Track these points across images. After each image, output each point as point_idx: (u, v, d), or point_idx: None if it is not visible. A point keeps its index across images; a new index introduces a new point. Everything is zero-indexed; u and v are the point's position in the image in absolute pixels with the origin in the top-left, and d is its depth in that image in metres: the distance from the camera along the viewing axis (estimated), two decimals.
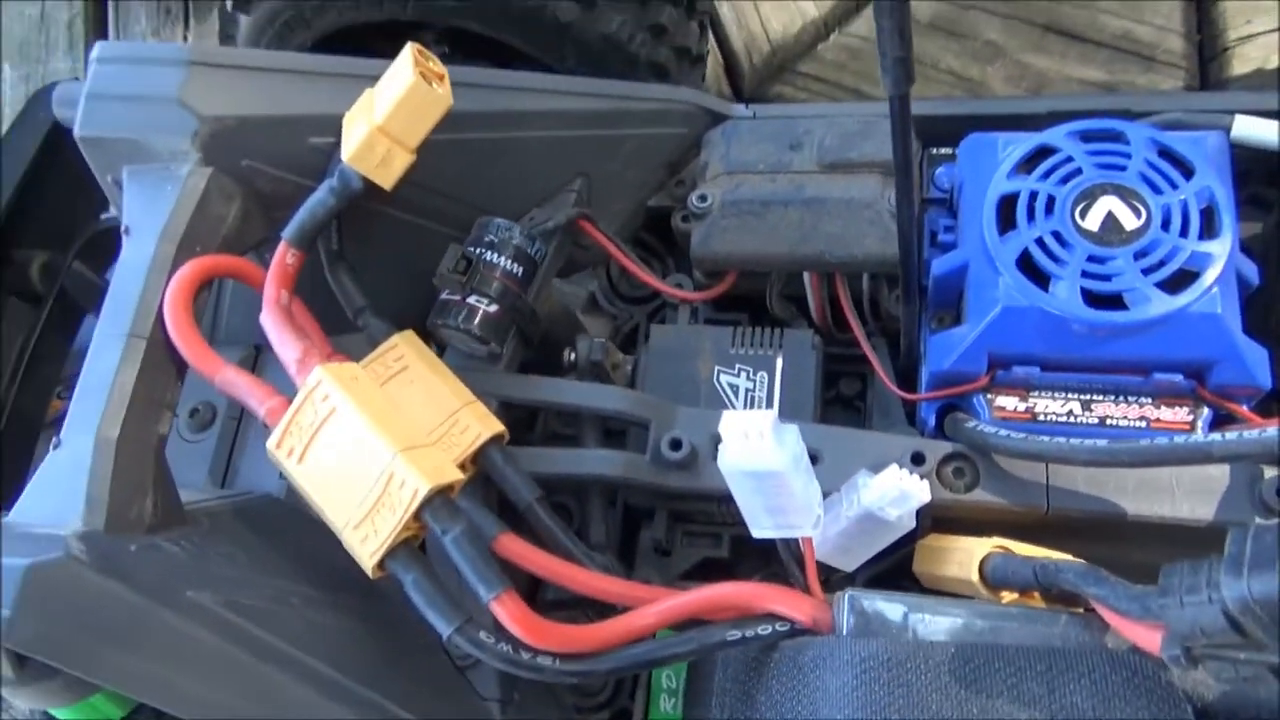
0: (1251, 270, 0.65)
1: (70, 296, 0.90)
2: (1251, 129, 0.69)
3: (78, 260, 0.91)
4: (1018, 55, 1.42)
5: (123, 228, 0.66)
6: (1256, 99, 0.74)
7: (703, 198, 0.76)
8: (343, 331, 0.72)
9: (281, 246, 0.65)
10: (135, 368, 0.62)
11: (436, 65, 0.65)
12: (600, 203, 0.82)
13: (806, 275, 0.76)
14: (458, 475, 0.57)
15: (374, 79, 0.65)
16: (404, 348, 0.68)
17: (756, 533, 0.59)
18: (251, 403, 0.61)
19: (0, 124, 0.90)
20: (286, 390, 0.61)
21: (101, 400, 0.60)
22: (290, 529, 0.73)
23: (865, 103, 0.74)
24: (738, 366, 0.76)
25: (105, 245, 0.90)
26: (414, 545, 0.57)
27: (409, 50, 0.63)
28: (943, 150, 0.78)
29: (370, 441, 0.55)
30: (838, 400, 0.83)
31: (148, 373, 0.62)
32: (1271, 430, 0.54)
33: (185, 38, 1.82)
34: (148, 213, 0.65)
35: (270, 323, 0.62)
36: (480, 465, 0.66)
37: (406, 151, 0.62)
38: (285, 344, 0.60)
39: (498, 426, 0.66)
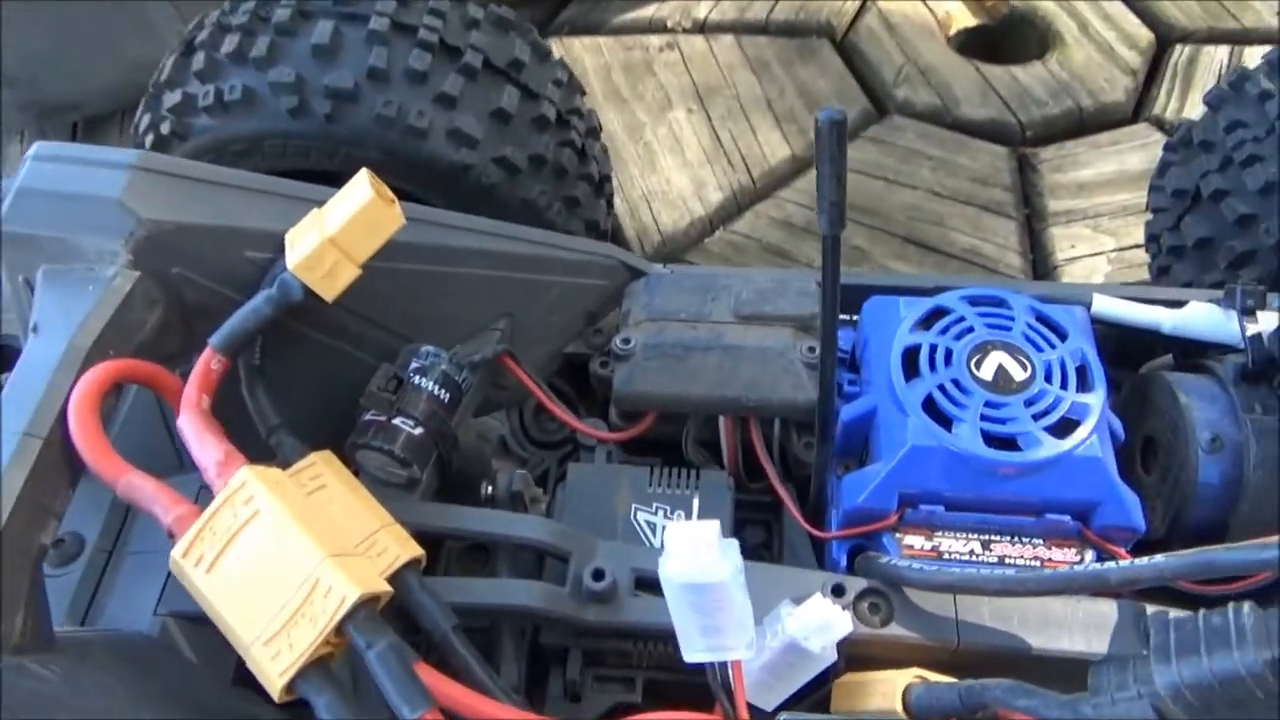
0: (1118, 426, 0.73)
1: None
2: (1108, 306, 0.79)
3: None
4: (882, 260, 1.58)
5: (30, 326, 0.63)
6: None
7: (626, 340, 0.79)
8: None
9: (207, 352, 0.63)
10: (25, 469, 0.57)
11: (388, 192, 0.67)
12: (522, 344, 0.84)
13: (721, 420, 0.80)
14: (385, 587, 0.54)
15: (319, 203, 0.67)
16: (322, 466, 0.66)
17: (689, 656, 0.58)
18: (157, 509, 0.57)
19: None
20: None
21: None
22: (166, 667, 0.66)
23: (774, 268, 0.80)
24: (655, 505, 0.76)
25: None
26: (328, 665, 0.53)
27: (364, 172, 0.65)
28: (841, 316, 0.85)
29: (295, 546, 0.52)
30: (744, 550, 0.83)
31: (38, 476, 0.58)
32: (1159, 559, 0.59)
33: None
34: (62, 311, 0.63)
35: (190, 426, 0.59)
36: (395, 591, 0.63)
37: (353, 265, 0.63)
38: (206, 446, 0.58)
39: (416, 550, 0.64)
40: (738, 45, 1.96)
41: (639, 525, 0.76)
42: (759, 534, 0.84)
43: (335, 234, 0.62)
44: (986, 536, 0.71)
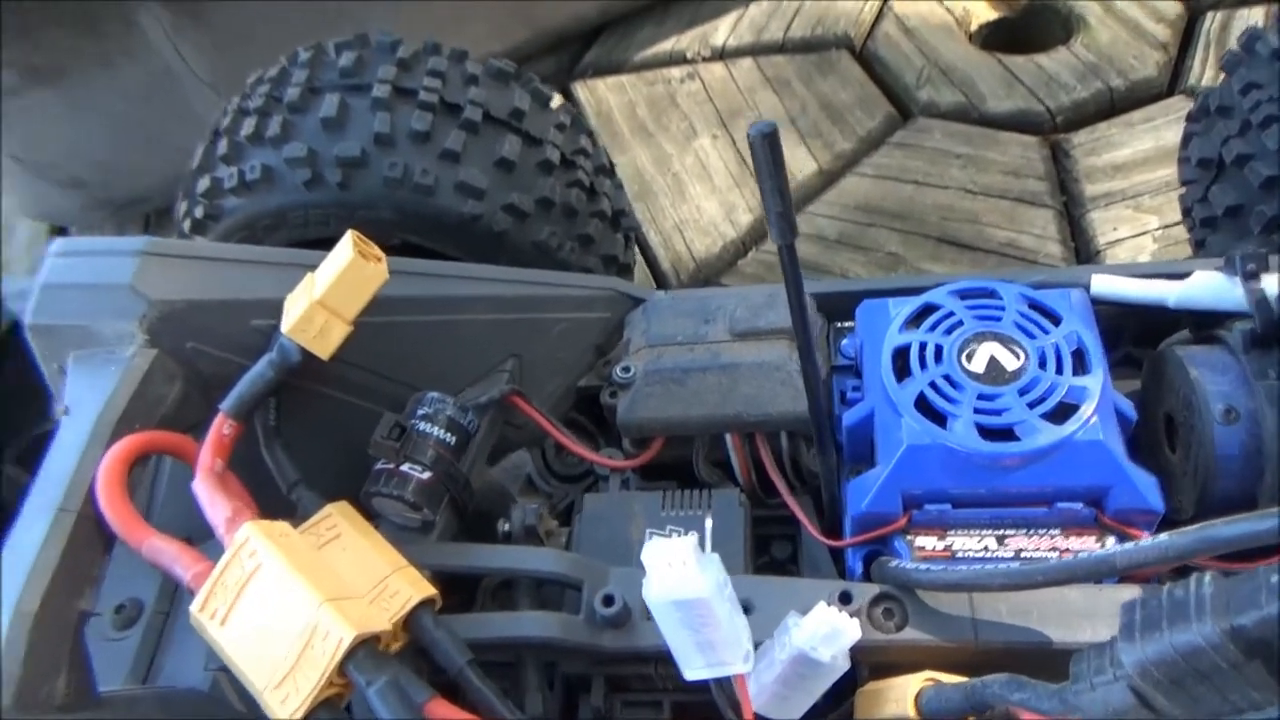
0: (1128, 406, 0.71)
1: (4, 499, 0.89)
2: (1109, 285, 0.78)
3: (16, 465, 0.91)
4: (917, 264, 1.56)
5: (61, 409, 0.68)
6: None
7: (626, 369, 0.81)
8: (276, 516, 0.73)
9: (219, 418, 0.67)
10: (62, 542, 0.62)
11: (374, 249, 0.71)
12: (533, 383, 0.86)
13: (729, 437, 0.80)
14: (384, 625, 0.57)
15: (314, 266, 0.71)
16: (337, 516, 0.69)
17: (689, 674, 0.59)
18: (177, 569, 0.61)
19: None
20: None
21: (23, 574, 0.60)
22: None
23: (766, 284, 0.81)
24: (669, 528, 0.77)
25: (41, 450, 0.91)
26: (338, 705, 0.56)
27: (349, 234, 0.69)
28: (846, 324, 0.86)
29: (295, 594, 0.55)
30: (771, 565, 0.84)
31: (74, 547, 0.62)
32: (1162, 538, 0.57)
33: None
34: (89, 392, 0.68)
35: (203, 488, 0.63)
36: (411, 631, 0.65)
37: (344, 323, 0.67)
38: (216, 506, 0.61)
39: (429, 590, 0.66)
40: (757, 67, 1.98)
41: None
42: (785, 548, 0.84)
43: (322, 296, 0.65)
44: (1000, 531, 0.69)
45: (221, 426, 0.66)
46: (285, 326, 0.66)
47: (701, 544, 0.77)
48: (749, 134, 0.55)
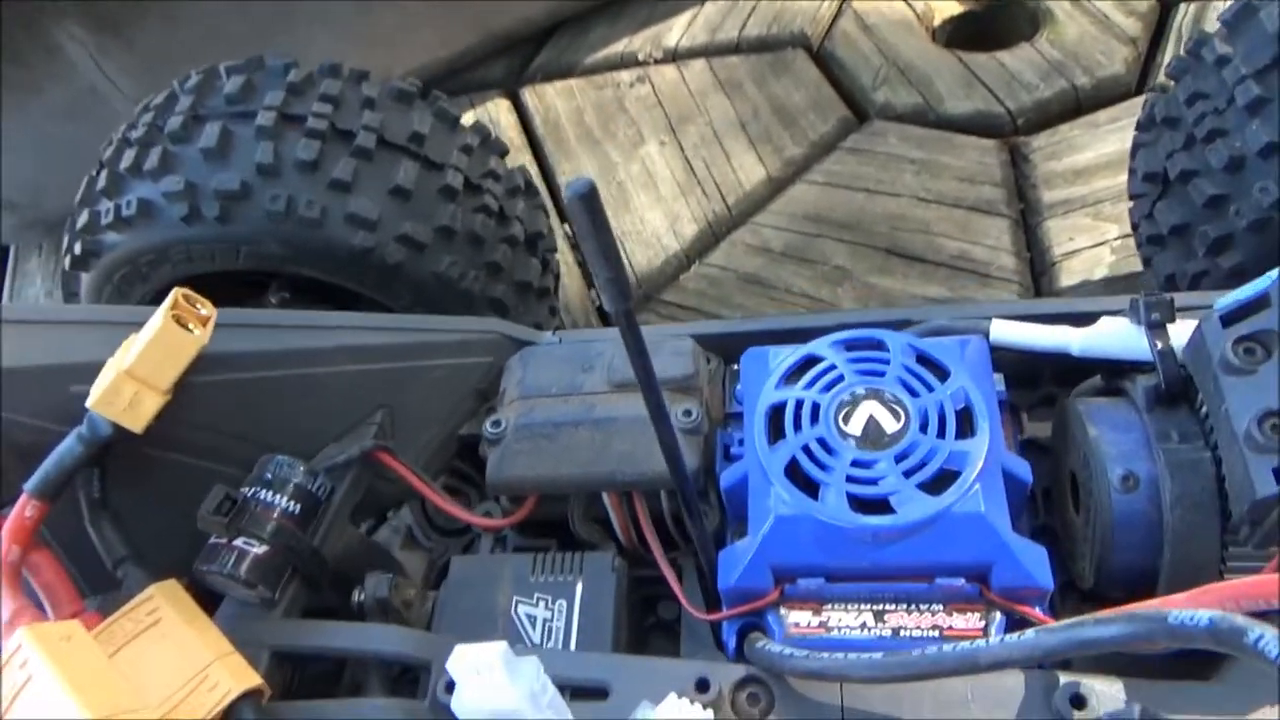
0: (1023, 468, 0.65)
1: None
2: (1009, 332, 0.72)
3: None
4: (865, 277, 1.50)
5: None
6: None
7: (496, 423, 0.76)
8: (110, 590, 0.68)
9: (22, 499, 0.62)
10: None
11: (204, 308, 0.65)
12: (407, 434, 0.81)
13: (606, 496, 0.75)
14: None
15: (141, 325, 0.66)
16: (159, 599, 0.64)
17: None
18: None
19: None
20: None
21: None
22: None
23: (650, 328, 0.75)
24: (536, 596, 0.72)
25: None
26: None
27: (172, 295, 0.63)
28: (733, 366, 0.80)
29: (65, 712, 0.50)
30: (658, 626, 0.79)
31: None
32: (1029, 635, 0.52)
33: None
34: None
35: None
36: None
37: (158, 393, 0.61)
38: (3, 602, 0.56)
39: (253, 680, 0.61)
40: (709, 69, 1.91)
41: (519, 619, 0.71)
42: (672, 609, 0.79)
43: (131, 366, 0.60)
44: (879, 607, 0.64)
45: (24, 509, 0.61)
46: (91, 400, 0.61)
47: (570, 612, 0.72)
48: (565, 194, 0.49)
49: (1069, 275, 1.45)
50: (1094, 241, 1.49)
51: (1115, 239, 1.48)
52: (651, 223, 1.66)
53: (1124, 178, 1.55)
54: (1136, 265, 1.42)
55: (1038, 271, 1.48)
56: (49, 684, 0.51)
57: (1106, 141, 1.63)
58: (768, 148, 1.74)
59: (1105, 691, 0.59)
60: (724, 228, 1.64)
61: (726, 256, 1.59)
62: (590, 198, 0.49)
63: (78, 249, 1.02)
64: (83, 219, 1.02)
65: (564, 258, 1.55)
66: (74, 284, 1.07)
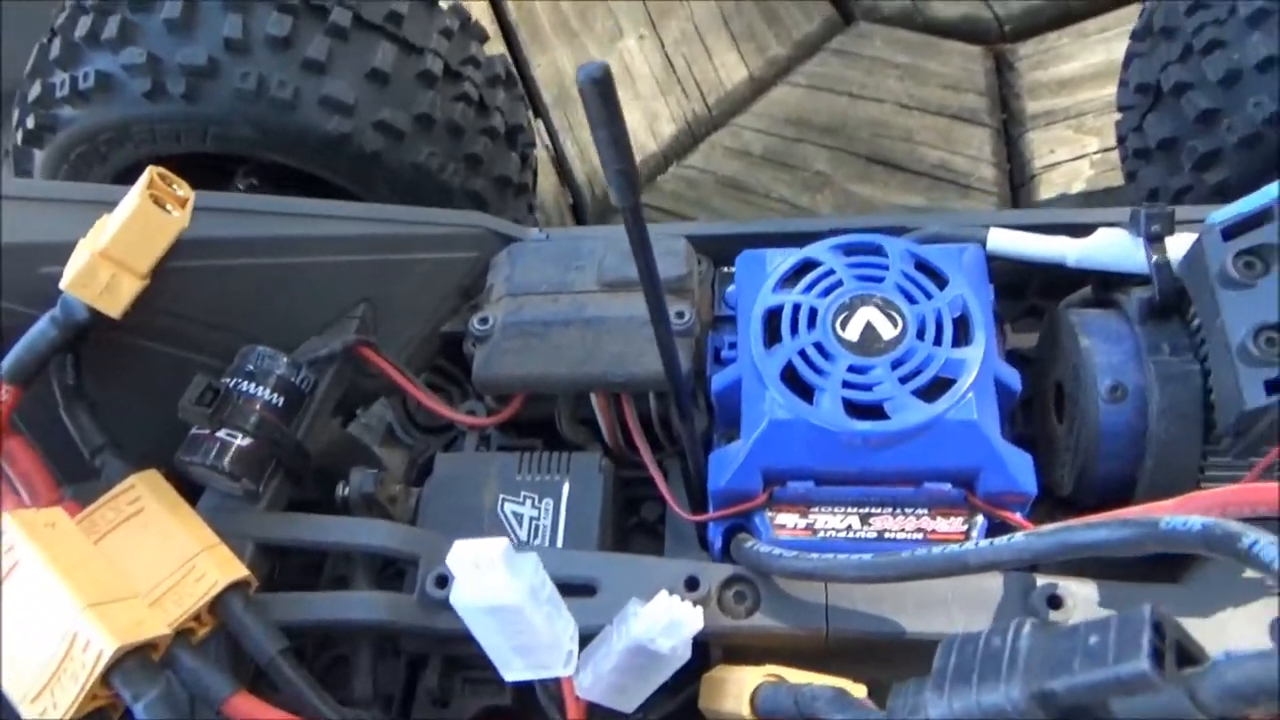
0: (1013, 377, 0.66)
1: None
2: (1006, 241, 0.71)
3: None
4: (845, 184, 1.49)
5: None
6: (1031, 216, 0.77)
7: (484, 320, 0.74)
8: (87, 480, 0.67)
9: None
10: None
11: (182, 189, 0.62)
12: (390, 329, 0.79)
13: (594, 396, 0.74)
14: (160, 631, 0.51)
15: (112, 205, 0.62)
16: (141, 489, 0.62)
17: (508, 676, 0.55)
18: None
19: None
20: None
21: None
22: None
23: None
24: (523, 494, 0.72)
25: None
26: (111, 718, 0.51)
27: (147, 172, 0.60)
28: (733, 269, 0.79)
29: (55, 597, 0.49)
30: (640, 527, 0.80)
31: None
32: (1018, 538, 0.53)
33: None
34: None
35: None
36: (219, 616, 0.60)
37: (135, 276, 0.59)
38: None
39: (240, 571, 0.60)
40: None
41: (505, 517, 0.71)
42: (655, 509, 0.79)
43: (106, 247, 0.57)
44: (865, 510, 0.65)
45: None
46: (64, 281, 0.58)
47: (557, 511, 0.72)
48: (577, 78, 0.47)
49: (1048, 188, 1.45)
50: (1074, 154, 1.48)
51: (1095, 152, 1.47)
52: (629, 121, 1.60)
53: (1109, 90, 1.54)
54: (1115, 180, 1.42)
55: (1016, 183, 1.48)
56: (38, 570, 0.50)
57: (1094, 52, 1.60)
58: (750, 46, 1.69)
59: (1080, 592, 0.61)
60: (703, 129, 1.61)
61: (705, 158, 1.56)
62: (604, 82, 0.47)
63: (30, 123, 0.96)
64: (35, 91, 0.96)
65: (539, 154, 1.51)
66: (26, 161, 1.02)
